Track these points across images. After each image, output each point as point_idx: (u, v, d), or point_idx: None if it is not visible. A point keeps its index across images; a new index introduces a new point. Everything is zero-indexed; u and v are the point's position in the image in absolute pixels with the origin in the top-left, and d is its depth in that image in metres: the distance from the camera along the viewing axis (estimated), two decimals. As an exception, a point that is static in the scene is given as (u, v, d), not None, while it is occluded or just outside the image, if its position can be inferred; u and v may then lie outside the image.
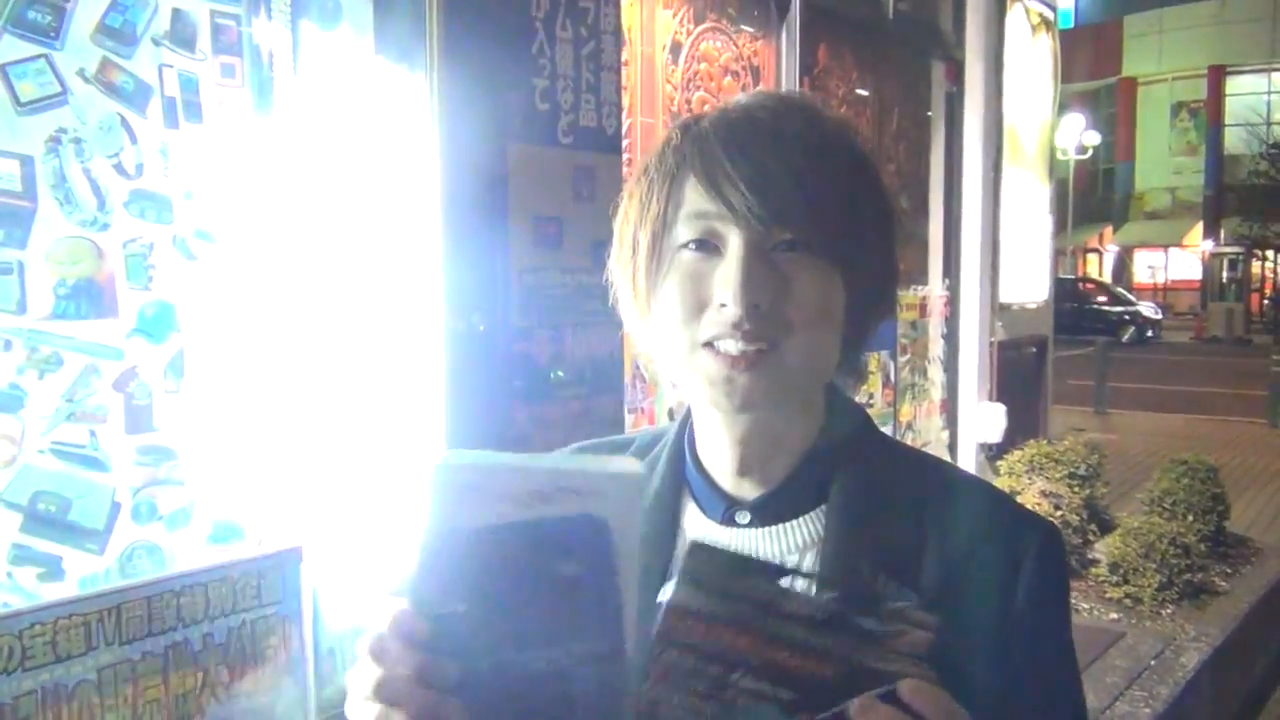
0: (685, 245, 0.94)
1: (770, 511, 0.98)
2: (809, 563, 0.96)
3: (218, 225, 1.99)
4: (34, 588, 1.75)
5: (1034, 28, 7.00)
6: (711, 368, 0.92)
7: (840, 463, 0.99)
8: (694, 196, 0.94)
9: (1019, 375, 6.83)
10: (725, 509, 1.00)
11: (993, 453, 6.18)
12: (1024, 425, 6.67)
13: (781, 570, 0.81)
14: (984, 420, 6.03)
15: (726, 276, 0.91)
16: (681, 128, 0.98)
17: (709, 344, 0.92)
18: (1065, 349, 8.75)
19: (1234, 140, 34.21)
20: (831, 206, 0.93)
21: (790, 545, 0.97)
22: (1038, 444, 6.33)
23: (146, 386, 1.89)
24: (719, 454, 1.01)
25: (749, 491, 1.00)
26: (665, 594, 0.97)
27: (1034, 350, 7.32)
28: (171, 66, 1.93)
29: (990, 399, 6.11)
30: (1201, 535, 5.80)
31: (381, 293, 2.25)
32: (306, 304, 2.13)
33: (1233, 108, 34.95)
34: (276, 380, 2.09)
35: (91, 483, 1.83)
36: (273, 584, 1.88)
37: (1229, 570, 5.84)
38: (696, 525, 1.02)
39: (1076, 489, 6.00)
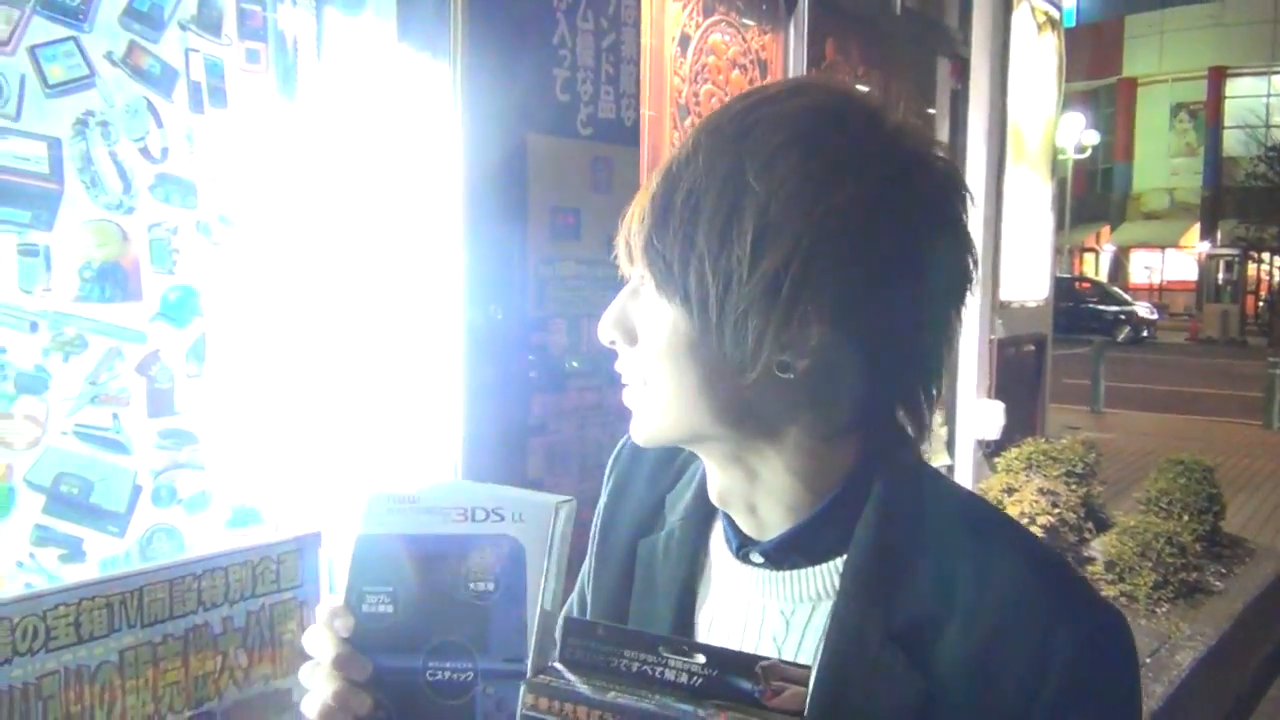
0: None
1: (782, 555, 0.92)
2: (822, 615, 0.89)
3: (240, 211, 2.00)
4: (55, 569, 1.76)
5: (1039, 26, 7.00)
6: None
7: (872, 516, 0.88)
8: None
9: (1018, 373, 6.84)
10: (739, 545, 0.95)
11: (990, 450, 6.19)
12: (1022, 423, 6.69)
13: (659, 640, 0.77)
14: (982, 417, 6.05)
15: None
16: None
17: None
18: (1061, 348, 8.76)
19: (1233, 142, 34.23)
20: (665, 245, 0.88)
21: (802, 594, 0.91)
22: (1035, 442, 6.35)
23: (169, 370, 1.90)
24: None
25: (758, 531, 0.93)
26: (700, 617, 0.97)
27: (1033, 348, 7.33)
28: (197, 51, 1.93)
29: (989, 396, 6.12)
30: (1197, 535, 5.83)
31: (400, 280, 2.26)
32: (327, 291, 2.14)
33: (1232, 110, 34.98)
34: (296, 366, 2.09)
35: (113, 465, 1.84)
36: (291, 568, 1.89)
37: (1224, 570, 5.88)
38: (720, 551, 0.98)
39: (1074, 487, 6.03)
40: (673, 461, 1.07)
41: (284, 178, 2.06)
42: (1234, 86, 35.37)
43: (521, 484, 2.47)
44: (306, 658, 0.88)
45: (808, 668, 0.74)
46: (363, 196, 2.19)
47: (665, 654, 0.75)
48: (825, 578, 0.90)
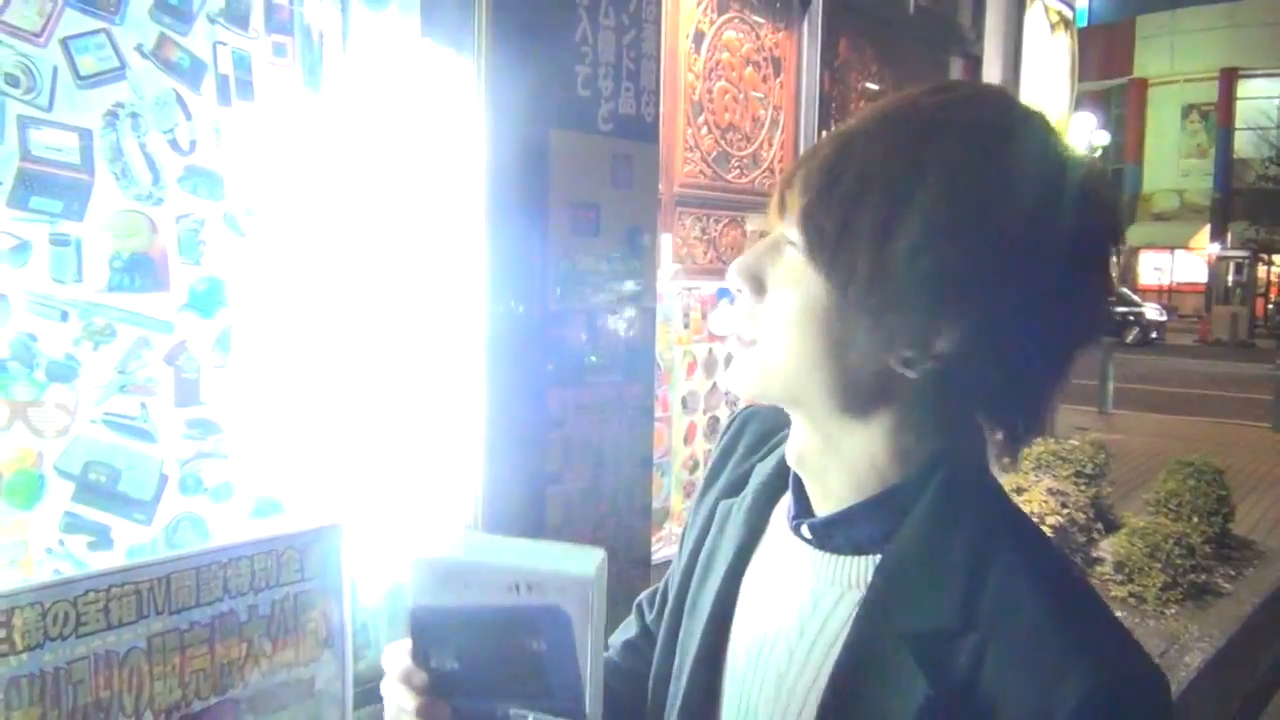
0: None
1: (828, 537, 0.93)
2: (848, 605, 0.91)
3: (266, 203, 2.01)
4: (84, 556, 1.78)
5: (1053, 26, 6.99)
6: None
7: (922, 523, 0.89)
8: None
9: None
10: (794, 516, 0.97)
11: (998, 450, 6.19)
12: (1031, 423, 6.68)
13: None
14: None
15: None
16: None
17: None
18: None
19: (1244, 144, 34.14)
20: (835, 215, 0.88)
21: (835, 578, 0.92)
22: (1045, 442, 6.35)
23: (195, 360, 1.92)
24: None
25: (816, 504, 0.96)
26: (745, 582, 1.02)
27: (1043, 349, 7.32)
28: (225, 44, 1.95)
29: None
30: (1206, 537, 5.83)
31: (423, 274, 2.27)
32: (350, 283, 2.15)
33: (1243, 111, 34.87)
34: (319, 358, 2.11)
35: (141, 454, 1.86)
36: (315, 558, 1.90)
37: (1232, 572, 5.87)
38: (778, 522, 1.02)
39: (1083, 488, 6.03)
40: (773, 435, 1.10)
41: (309, 171, 2.08)
42: (1246, 88, 35.24)
43: (541, 477, 2.49)
44: (328, 646, 0.95)
45: None
46: (386, 190, 2.21)
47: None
48: (860, 569, 0.91)
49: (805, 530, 0.95)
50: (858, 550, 0.92)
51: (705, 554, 1.07)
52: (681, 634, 1.07)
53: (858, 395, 0.89)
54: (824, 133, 4.14)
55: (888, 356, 0.85)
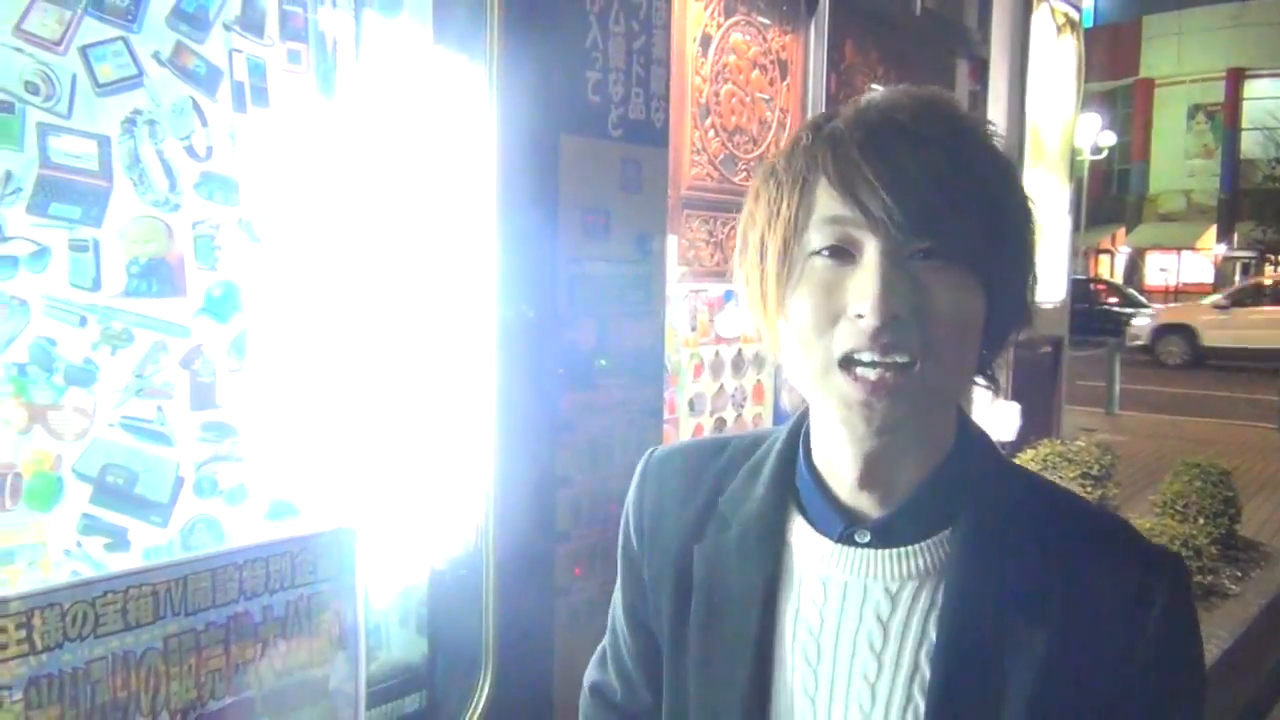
0: (818, 252, 0.90)
1: (893, 532, 0.95)
2: (928, 591, 0.94)
3: (280, 209, 2.03)
4: (101, 557, 1.80)
5: (1059, 27, 6.99)
6: (849, 392, 0.88)
7: (968, 487, 0.95)
8: (828, 201, 0.90)
9: (1034, 375, 6.84)
10: (844, 527, 0.97)
11: (1006, 451, 6.20)
12: (1037, 425, 6.69)
13: None
14: (998, 419, 6.05)
15: (864, 286, 0.87)
16: (813, 128, 0.94)
17: (845, 362, 0.88)
18: (1075, 349, 8.76)
19: (1250, 144, 34.08)
20: (972, 213, 0.88)
21: (912, 570, 0.94)
22: (1051, 443, 6.36)
23: (211, 364, 1.94)
24: (841, 467, 0.97)
25: (869, 508, 0.96)
26: (785, 611, 0.99)
27: (1049, 350, 7.33)
28: (241, 52, 1.97)
29: (1005, 398, 6.13)
30: (1212, 538, 5.84)
31: (435, 278, 2.29)
32: (363, 288, 2.17)
33: (1250, 111, 34.80)
34: (333, 362, 2.13)
35: (157, 457, 1.88)
36: (329, 560, 1.93)
37: (1239, 574, 5.88)
38: (807, 541, 1.00)
39: (1089, 489, 6.04)
40: (707, 468, 1.09)
41: (323, 177, 2.10)
42: (1252, 88, 35.18)
43: (551, 479, 2.51)
44: (341, 648, 0.91)
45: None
46: (398, 195, 2.23)
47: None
48: (932, 553, 0.95)
49: (859, 536, 0.96)
50: (922, 537, 0.95)
51: (702, 606, 1.03)
52: (699, 694, 1.02)
53: (976, 380, 0.98)
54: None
55: (1012, 336, 0.98)
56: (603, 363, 2.58)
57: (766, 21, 3.91)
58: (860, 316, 0.87)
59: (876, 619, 0.95)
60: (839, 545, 0.97)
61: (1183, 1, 35.72)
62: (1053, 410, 7.33)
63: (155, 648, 1.69)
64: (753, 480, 1.04)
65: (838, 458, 0.97)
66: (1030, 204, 0.97)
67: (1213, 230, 34.99)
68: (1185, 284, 36.87)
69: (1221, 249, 33.96)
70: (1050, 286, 7.08)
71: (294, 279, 2.06)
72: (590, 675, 1.23)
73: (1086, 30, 7.51)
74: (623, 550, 1.15)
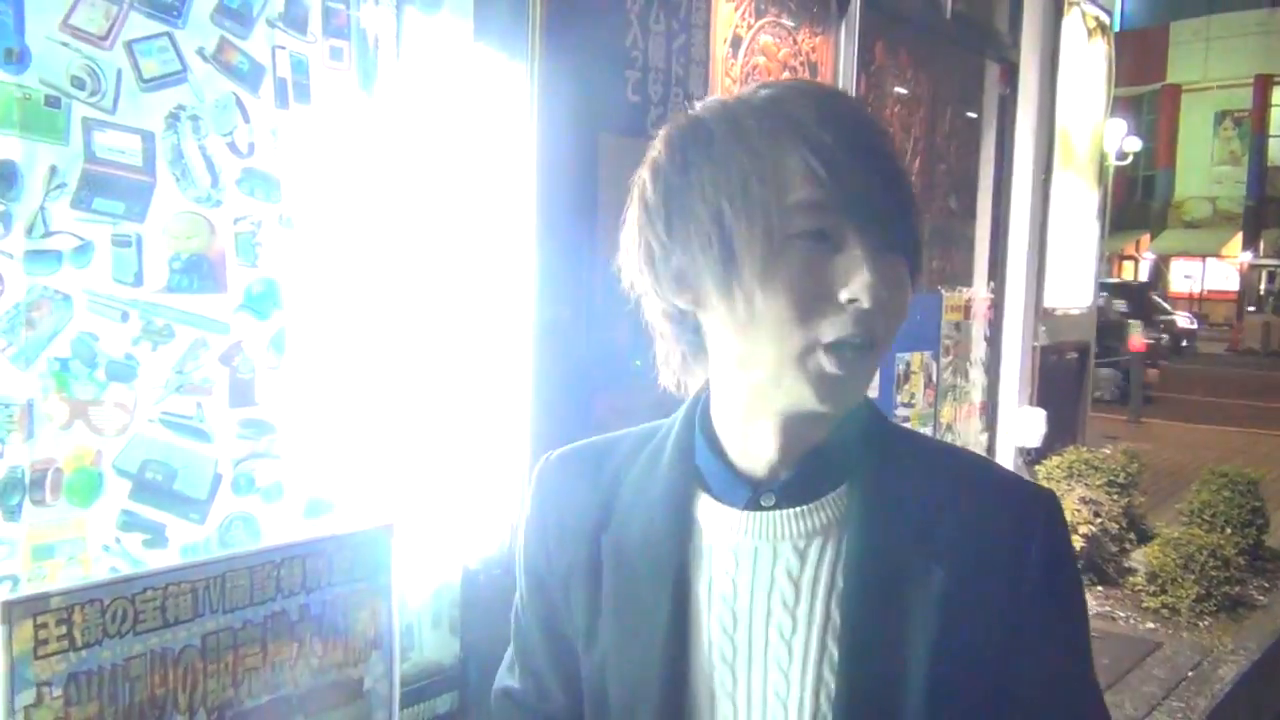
0: (798, 235, 0.90)
1: (795, 492, 0.99)
2: (834, 543, 0.98)
3: (321, 205, 2.03)
4: (139, 554, 1.80)
5: (1090, 32, 6.95)
6: (829, 369, 0.91)
7: (859, 444, 1.01)
8: (806, 185, 0.90)
9: (1060, 381, 6.80)
10: (750, 493, 1.00)
11: (1031, 458, 6.17)
12: (1063, 431, 6.66)
13: None
14: (1024, 424, 6.02)
15: (857, 272, 0.90)
16: (763, 107, 0.95)
17: (830, 346, 0.90)
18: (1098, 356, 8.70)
19: (1277, 151, 33.82)
20: (913, 207, 0.96)
21: (817, 525, 0.98)
22: (1077, 450, 6.32)
23: (250, 361, 1.94)
24: (758, 442, 0.99)
25: (773, 474, 1.00)
26: (698, 590, 1.01)
27: (1075, 356, 7.29)
28: (284, 48, 1.97)
29: (1031, 403, 6.09)
30: (1240, 548, 5.79)
31: (474, 276, 2.29)
32: (402, 286, 2.17)
33: (1278, 118, 34.54)
34: (371, 359, 2.13)
35: (196, 453, 1.87)
36: (365, 559, 1.92)
37: (1267, 584, 5.83)
38: (714, 515, 1.02)
39: (1115, 497, 6.00)
40: (605, 463, 1.11)
41: (363, 174, 2.09)
42: (1280, 95, 34.92)
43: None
44: (376, 647, 0.91)
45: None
46: (439, 193, 2.22)
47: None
48: (834, 506, 0.99)
49: (764, 500, 0.99)
50: (821, 493, 0.99)
51: (614, 594, 1.05)
52: (618, 681, 1.04)
53: None
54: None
55: None
56: (637, 364, 2.56)
57: (796, 23, 3.89)
58: (853, 301, 0.90)
59: (788, 577, 0.98)
60: (745, 512, 1.00)
61: (1211, 7, 35.46)
62: (1078, 416, 7.29)
63: (193, 645, 1.68)
64: (653, 466, 1.06)
65: (757, 433, 0.99)
66: None
67: (1238, 238, 34.70)
68: (1210, 291, 36.65)
69: (1247, 256, 33.67)
70: (1077, 292, 7.03)
71: (333, 276, 2.06)
72: (500, 681, 1.22)
73: (1114, 35, 7.46)
74: (527, 560, 1.14)
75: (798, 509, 0.99)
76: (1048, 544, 0.98)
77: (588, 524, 1.08)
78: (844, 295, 0.89)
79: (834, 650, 0.96)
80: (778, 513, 0.99)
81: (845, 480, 0.99)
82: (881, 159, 0.93)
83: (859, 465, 1.00)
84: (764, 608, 0.98)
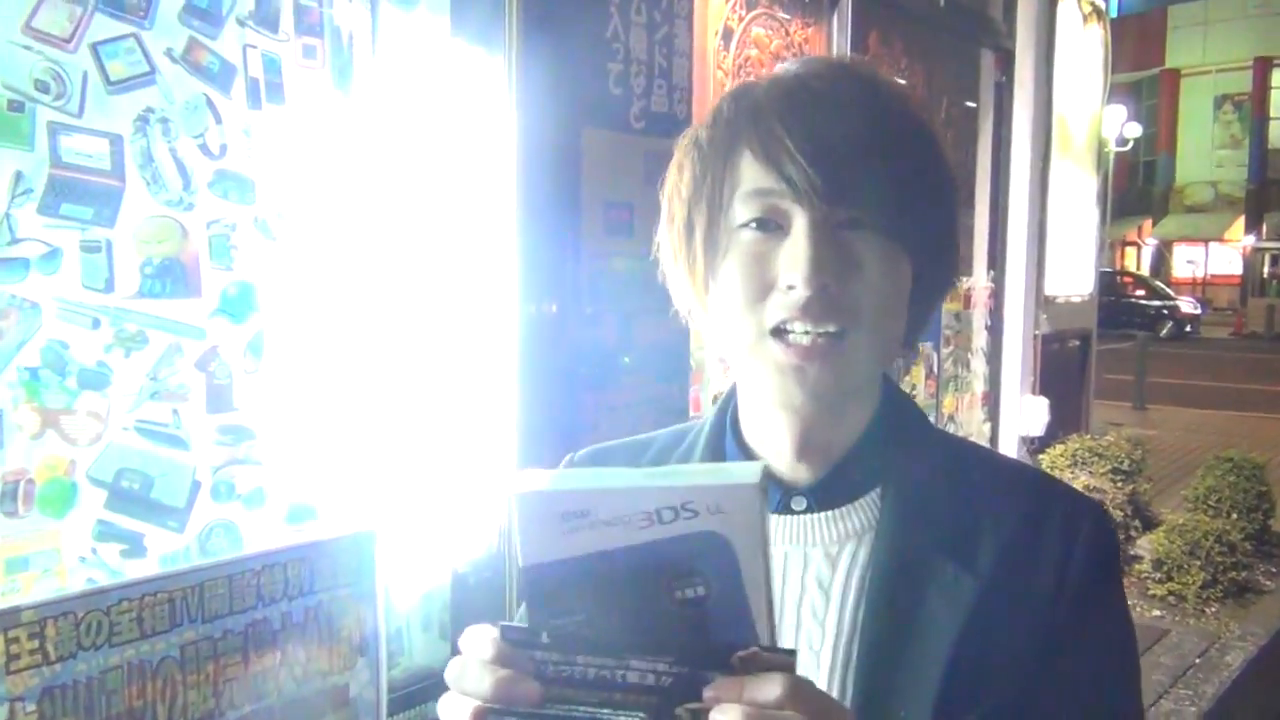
0: (745, 225, 0.90)
1: (827, 496, 0.96)
2: (865, 549, 0.94)
3: (297, 206, 2.00)
4: (117, 564, 1.77)
5: (1085, 18, 6.92)
6: (781, 358, 0.88)
7: (895, 447, 0.97)
8: (752, 173, 0.89)
9: (1062, 369, 6.78)
10: (780, 496, 0.97)
11: (1035, 446, 6.14)
12: (1066, 419, 6.63)
13: (616, 641, 0.66)
14: (1026, 413, 5.99)
15: (794, 257, 0.87)
16: (733, 98, 0.94)
17: (778, 331, 0.88)
18: (1103, 343, 8.67)
19: (1278, 133, 33.72)
20: (897, 183, 0.89)
21: (848, 530, 0.95)
22: (1080, 438, 6.30)
23: (227, 366, 1.91)
24: (776, 440, 0.97)
25: (804, 476, 0.97)
26: None
27: (1077, 344, 7.26)
28: (255, 47, 1.93)
29: (1033, 392, 6.06)
30: (1246, 534, 5.76)
31: (455, 275, 2.25)
32: (382, 286, 2.13)
33: (1278, 100, 34.44)
34: (352, 362, 2.09)
35: (173, 461, 1.84)
36: (348, 565, 1.88)
37: (1274, 569, 5.81)
38: None
39: (1120, 484, 5.97)
40: (635, 463, 1.08)
41: (340, 173, 2.06)
42: (1280, 77, 34.81)
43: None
44: (362, 654, 0.87)
45: (792, 652, 0.68)
46: (417, 191, 2.19)
47: (626, 656, 0.65)
48: (866, 511, 0.96)
49: (795, 504, 0.97)
50: (854, 496, 0.96)
51: None
52: None
53: (906, 345, 0.98)
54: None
55: (938, 302, 0.99)
56: (626, 360, 2.54)
57: (789, 15, 3.86)
58: (791, 288, 0.87)
59: (818, 585, 0.95)
60: (776, 516, 0.97)
61: (1208, -10, 35.37)
62: (1081, 404, 7.26)
63: (172, 656, 1.65)
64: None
65: (772, 429, 0.97)
66: (949, 169, 0.97)
67: (1241, 221, 34.62)
68: (1213, 276, 36.56)
69: (1250, 240, 33.59)
70: (1078, 280, 7.00)
71: (311, 278, 2.02)
72: None
73: (1111, 21, 7.43)
74: None
75: (829, 513, 0.96)
76: (1092, 552, 0.93)
77: None
78: (783, 281, 0.88)
79: (856, 661, 0.92)
80: (809, 517, 0.96)
81: (879, 483, 0.96)
82: (836, 133, 0.87)
83: (895, 467, 0.96)
84: (794, 617, 0.95)
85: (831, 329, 0.88)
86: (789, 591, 0.95)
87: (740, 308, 0.90)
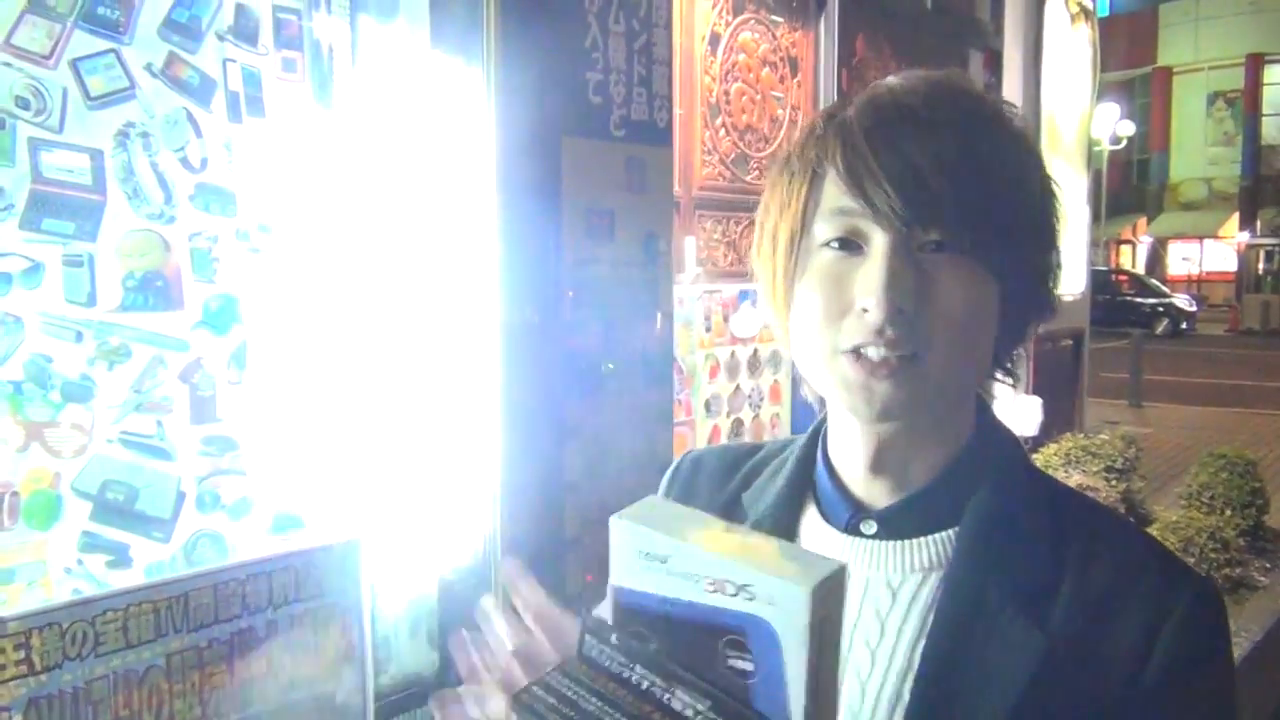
0: (826, 244, 0.89)
1: (899, 524, 0.94)
2: (930, 588, 0.91)
3: (279, 219, 2.01)
4: (103, 575, 1.78)
5: (1073, 17, 6.93)
6: (850, 374, 0.87)
7: (981, 483, 0.93)
8: (835, 192, 0.89)
9: (1055, 368, 6.78)
10: (850, 516, 0.96)
11: (1029, 446, 6.15)
12: (1060, 419, 6.63)
13: (669, 670, 0.71)
14: (1020, 413, 5.99)
15: (869, 279, 0.86)
16: (826, 115, 0.93)
17: (851, 351, 0.87)
18: (1098, 341, 8.69)
19: (1271, 130, 33.80)
20: (986, 205, 0.86)
21: (915, 564, 0.93)
22: (1074, 437, 6.30)
23: (210, 378, 1.92)
24: (853, 455, 0.96)
25: (879, 499, 0.95)
26: None
27: (1070, 343, 7.27)
28: (235, 61, 1.95)
29: (1026, 392, 6.07)
30: (1240, 530, 5.77)
31: (437, 285, 2.27)
32: (365, 296, 2.15)
33: (1270, 97, 34.50)
34: (335, 372, 2.11)
35: (158, 472, 1.86)
36: (334, 574, 1.90)
37: (1268, 565, 5.81)
38: (815, 532, 0.98)
39: (1114, 483, 5.98)
40: (738, 467, 1.09)
41: (321, 185, 2.08)
42: (1272, 73, 34.85)
43: (560, 486, 2.48)
44: (348, 662, 0.89)
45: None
46: (398, 202, 2.20)
47: (675, 685, 0.70)
48: (937, 547, 0.93)
49: (865, 526, 0.95)
50: (927, 530, 0.93)
51: None
52: None
53: (992, 373, 0.96)
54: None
55: (1031, 328, 0.95)
56: (610, 366, 2.55)
57: (776, 19, 3.88)
58: (865, 311, 0.86)
59: (875, 614, 0.93)
60: (845, 535, 0.96)
61: (1200, -12, 35.43)
62: (1075, 403, 7.27)
63: (158, 665, 1.66)
64: (775, 476, 1.04)
65: (849, 445, 0.96)
66: (1054, 188, 0.94)
67: (1235, 218, 34.66)
68: (1208, 273, 36.60)
69: (1244, 236, 33.62)
70: (1069, 279, 7.01)
71: (294, 289, 2.04)
72: None
73: (1102, 20, 7.46)
74: None
75: (899, 542, 0.94)
76: (1187, 632, 0.85)
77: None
78: (858, 304, 0.87)
79: (908, 699, 0.90)
80: (876, 542, 0.94)
81: (957, 521, 0.93)
82: (923, 154, 0.85)
83: (975, 505, 0.92)
84: (845, 640, 0.91)
85: (904, 353, 0.86)
86: (847, 615, 0.92)
87: (817, 327, 0.89)
